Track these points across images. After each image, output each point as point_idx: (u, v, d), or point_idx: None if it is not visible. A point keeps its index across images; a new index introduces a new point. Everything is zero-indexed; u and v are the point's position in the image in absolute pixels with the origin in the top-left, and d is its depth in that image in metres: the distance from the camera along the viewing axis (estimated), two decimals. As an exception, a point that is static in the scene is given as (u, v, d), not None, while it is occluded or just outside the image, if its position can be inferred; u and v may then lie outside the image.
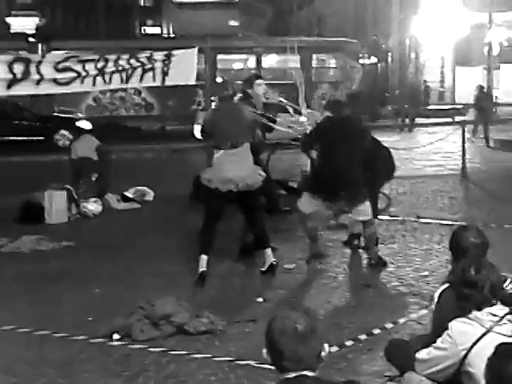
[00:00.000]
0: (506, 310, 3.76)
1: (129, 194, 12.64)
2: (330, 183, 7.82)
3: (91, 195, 11.87)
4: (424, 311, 6.47)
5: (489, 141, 21.25)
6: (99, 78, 9.49)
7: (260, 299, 7.09)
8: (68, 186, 11.56)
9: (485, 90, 24.49)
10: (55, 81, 9.26)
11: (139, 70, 9.71)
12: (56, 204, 11.16)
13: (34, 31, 31.28)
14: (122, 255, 9.02)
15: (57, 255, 9.15)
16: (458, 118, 26.65)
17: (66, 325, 6.45)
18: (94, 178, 12.63)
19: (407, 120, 27.33)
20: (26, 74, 9.06)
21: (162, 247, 9.29)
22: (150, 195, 12.90)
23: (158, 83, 10.02)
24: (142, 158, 18.76)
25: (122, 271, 8.29)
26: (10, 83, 9.10)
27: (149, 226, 10.80)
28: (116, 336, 6.11)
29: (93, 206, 11.60)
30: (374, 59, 36.84)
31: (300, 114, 9.66)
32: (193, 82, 10.49)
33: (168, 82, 10.05)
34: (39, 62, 9.22)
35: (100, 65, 9.43)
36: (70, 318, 6.67)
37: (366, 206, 8.07)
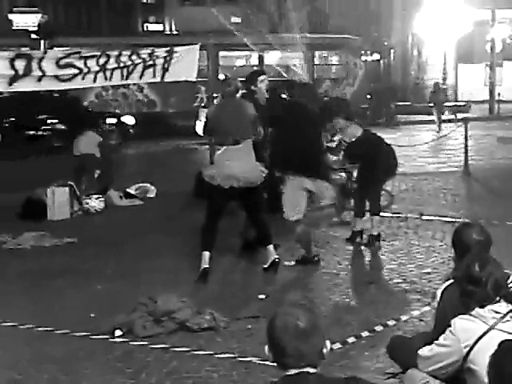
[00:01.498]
0: (510, 307, 3.74)
1: (131, 190, 12.64)
2: (288, 156, 7.86)
3: (94, 192, 11.87)
4: (426, 308, 6.46)
5: (440, 129, 24.03)
6: (100, 75, 9.48)
7: (262, 296, 7.09)
8: (70, 183, 11.57)
9: (440, 85, 27.21)
10: (57, 77, 9.24)
11: (140, 67, 9.70)
12: (58, 200, 11.17)
13: (36, 28, 31.22)
14: (125, 252, 9.03)
15: (59, 251, 9.15)
16: (460, 115, 26.62)
17: (68, 321, 6.46)
18: (96, 175, 12.65)
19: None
20: (28, 71, 9.05)
21: (164, 244, 9.29)
22: (153, 192, 12.91)
23: (158, 79, 10.01)
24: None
25: (124, 268, 8.29)
26: (12, 79, 9.09)
27: (151, 222, 10.80)
28: (118, 332, 6.11)
29: (95, 203, 11.61)
30: (376, 56, 36.77)
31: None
32: (193, 79, 10.48)
33: (168, 78, 10.03)
34: (41, 59, 9.21)
35: (102, 61, 9.42)
36: (72, 315, 6.68)
37: (329, 190, 8.08)
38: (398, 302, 7.02)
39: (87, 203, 11.54)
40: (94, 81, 9.59)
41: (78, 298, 7.21)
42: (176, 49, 10.02)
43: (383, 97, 28.24)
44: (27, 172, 14.56)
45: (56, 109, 21.64)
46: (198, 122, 8.34)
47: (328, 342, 2.83)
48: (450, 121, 25.17)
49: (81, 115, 21.88)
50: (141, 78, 9.94)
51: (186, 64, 9.98)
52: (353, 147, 8.87)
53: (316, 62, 27.32)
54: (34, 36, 27.33)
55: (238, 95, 8.01)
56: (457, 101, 33.17)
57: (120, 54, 9.60)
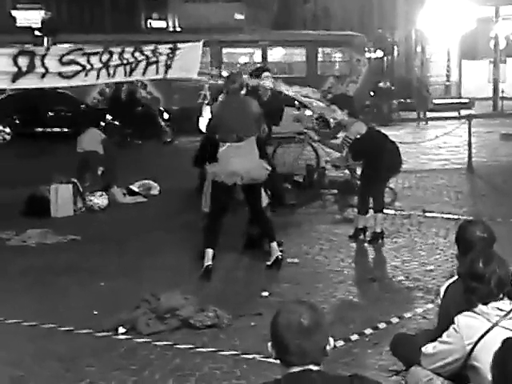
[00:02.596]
0: (513, 304, 3.74)
1: (134, 187, 12.64)
2: None
3: (97, 189, 11.87)
4: (430, 305, 6.46)
5: (419, 124, 26.14)
6: (103, 71, 9.47)
7: (265, 293, 7.09)
8: (74, 180, 11.57)
9: (423, 80, 29.19)
10: (60, 74, 9.23)
11: (143, 63, 9.69)
12: (62, 197, 11.17)
13: (39, 25, 31.24)
14: (128, 249, 9.03)
15: (62, 249, 9.16)
16: (464, 112, 26.60)
17: (71, 318, 6.46)
18: (99, 172, 12.64)
19: None
20: (31, 68, 9.03)
21: (167, 241, 9.29)
22: (156, 189, 12.91)
23: (160, 76, 9.98)
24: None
25: (127, 265, 8.29)
26: (15, 76, 9.07)
27: (154, 219, 10.80)
28: (121, 330, 6.11)
29: (98, 200, 11.61)
30: (380, 53, 36.75)
31: (306, 107, 9.65)
32: (195, 76, 10.46)
33: (171, 75, 10.02)
34: (44, 55, 9.19)
35: (105, 58, 9.40)
36: (76, 312, 6.68)
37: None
38: (402, 299, 7.01)
39: (90, 200, 11.55)
40: (97, 78, 9.57)
41: (81, 295, 7.22)
42: (179, 45, 10.00)
43: (382, 95, 28.22)
44: (32, 169, 14.59)
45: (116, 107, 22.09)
46: (201, 118, 8.32)
47: (331, 340, 2.83)
48: (453, 118, 25.17)
49: (139, 112, 22.35)
50: (144, 74, 9.93)
51: (189, 61, 9.96)
52: (357, 144, 8.85)
53: (319, 58, 27.30)
54: (37, 33, 27.36)
55: (242, 92, 8.00)
56: (460, 98, 33.12)
57: (123, 51, 9.59)
